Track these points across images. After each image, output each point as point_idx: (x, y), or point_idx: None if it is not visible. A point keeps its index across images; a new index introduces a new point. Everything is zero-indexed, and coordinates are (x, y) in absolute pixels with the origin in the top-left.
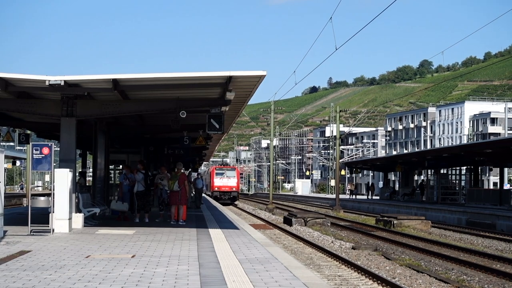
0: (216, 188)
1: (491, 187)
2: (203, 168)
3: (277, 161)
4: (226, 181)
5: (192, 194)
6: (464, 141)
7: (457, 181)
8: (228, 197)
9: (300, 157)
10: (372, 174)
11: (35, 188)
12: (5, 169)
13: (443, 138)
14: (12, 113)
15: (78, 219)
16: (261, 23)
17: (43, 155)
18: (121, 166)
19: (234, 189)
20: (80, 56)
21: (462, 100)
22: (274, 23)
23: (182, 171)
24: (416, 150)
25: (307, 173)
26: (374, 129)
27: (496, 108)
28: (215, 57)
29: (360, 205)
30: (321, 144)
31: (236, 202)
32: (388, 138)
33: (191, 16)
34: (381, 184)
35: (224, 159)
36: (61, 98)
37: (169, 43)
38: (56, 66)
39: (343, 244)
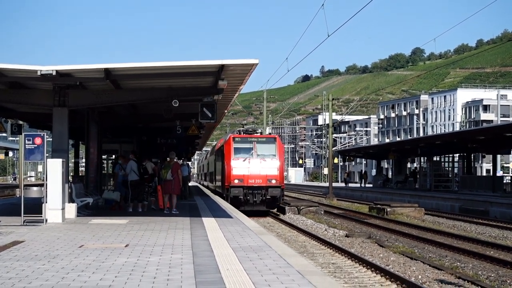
0: (235, 181)
1: (484, 174)
2: (196, 157)
3: None
4: (257, 165)
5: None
6: (457, 128)
7: (450, 169)
8: (262, 199)
9: (293, 146)
10: (365, 162)
11: (28, 179)
12: None
13: (436, 125)
14: (4, 103)
15: (71, 209)
16: (253, 10)
17: (36, 146)
18: (114, 156)
19: (274, 180)
20: (72, 47)
21: (454, 88)
22: (266, 10)
23: (175, 160)
24: (409, 137)
25: (300, 161)
26: (366, 117)
27: (488, 95)
28: (207, 45)
29: (353, 193)
30: (314, 133)
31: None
32: (380, 126)
33: (183, 5)
34: (374, 172)
35: (244, 122)
36: (53, 88)
37: (161, 33)
38: (48, 56)
39: (337, 232)
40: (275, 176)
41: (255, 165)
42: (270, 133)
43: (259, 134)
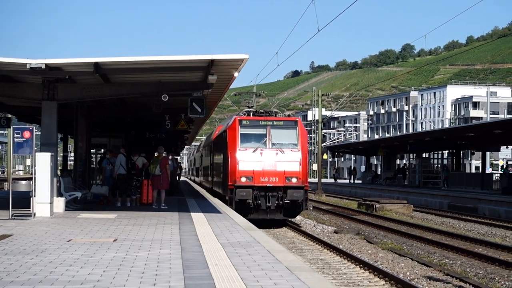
0: (242, 179)
1: (473, 171)
2: (185, 152)
3: None
4: (272, 157)
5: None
6: (446, 125)
7: (439, 165)
8: (278, 204)
9: None
10: (354, 158)
11: (16, 172)
12: None
13: (425, 122)
14: None
15: (60, 203)
16: (243, 4)
17: (24, 139)
18: (102, 150)
19: (294, 179)
20: (62, 41)
21: (444, 84)
22: (256, 4)
23: (163, 155)
24: (398, 134)
25: None
26: (356, 113)
27: (478, 92)
28: (197, 39)
29: (342, 189)
30: None
31: (299, 219)
32: (370, 122)
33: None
34: (363, 168)
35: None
36: (42, 82)
37: (150, 28)
38: (39, 51)
39: (325, 228)
40: (296, 173)
41: (269, 157)
42: (289, 115)
43: (274, 116)
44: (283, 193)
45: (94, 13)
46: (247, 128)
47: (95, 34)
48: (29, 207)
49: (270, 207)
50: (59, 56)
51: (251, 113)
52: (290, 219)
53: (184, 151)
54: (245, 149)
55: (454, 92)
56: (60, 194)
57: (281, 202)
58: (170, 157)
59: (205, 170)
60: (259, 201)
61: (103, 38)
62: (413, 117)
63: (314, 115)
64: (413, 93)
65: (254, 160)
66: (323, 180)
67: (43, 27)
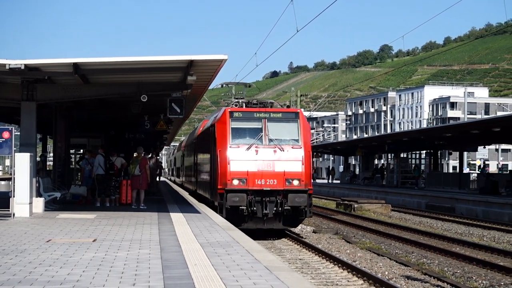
0: (234, 182)
1: (451, 170)
2: (164, 152)
3: None
4: (269, 156)
5: None
6: (424, 125)
7: (416, 167)
8: (276, 211)
9: None
10: (332, 158)
11: None
12: None
13: (403, 122)
14: None
15: (39, 203)
16: (222, 4)
17: (4, 139)
18: (82, 150)
19: (296, 181)
20: (58, 41)
21: (421, 85)
22: (235, 4)
23: (142, 155)
24: (376, 134)
25: None
26: (334, 113)
27: (455, 92)
28: (175, 39)
29: (320, 189)
30: None
31: (298, 230)
32: (348, 122)
33: None
34: (341, 168)
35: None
36: (21, 82)
37: (130, 28)
38: (35, 50)
39: (304, 227)
40: (298, 173)
41: (266, 156)
42: (288, 106)
43: (270, 107)
44: (282, 198)
45: (92, 13)
46: (239, 122)
47: (72, 34)
48: (8, 208)
49: (267, 214)
50: (56, 56)
51: (244, 104)
52: (290, 229)
53: (163, 151)
54: (238, 146)
55: (432, 92)
56: (39, 195)
57: (280, 208)
58: (150, 155)
59: (187, 171)
60: (255, 208)
61: (77, 38)
62: (391, 117)
63: None
64: (391, 94)
65: (248, 159)
66: None
67: (38, 26)
